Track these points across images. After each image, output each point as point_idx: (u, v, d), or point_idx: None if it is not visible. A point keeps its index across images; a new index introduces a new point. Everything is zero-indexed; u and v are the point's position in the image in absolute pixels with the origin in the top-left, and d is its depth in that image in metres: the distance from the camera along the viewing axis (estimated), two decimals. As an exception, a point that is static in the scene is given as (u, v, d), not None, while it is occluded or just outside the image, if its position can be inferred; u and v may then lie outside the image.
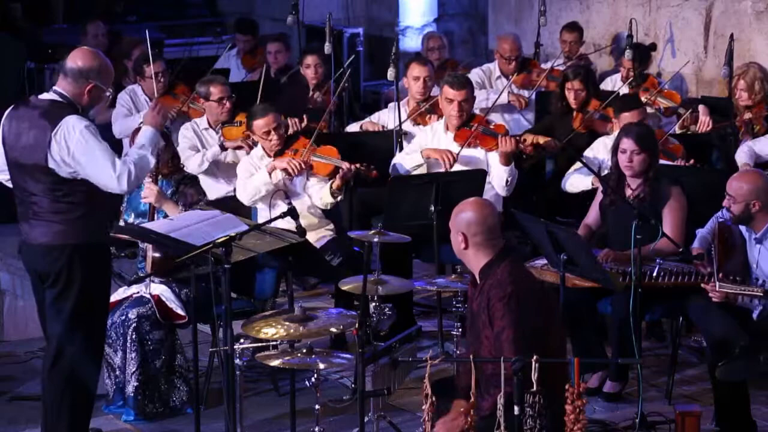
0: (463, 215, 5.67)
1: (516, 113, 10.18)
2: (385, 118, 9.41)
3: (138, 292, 7.24)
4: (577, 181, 8.42)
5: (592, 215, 7.66)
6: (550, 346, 5.45)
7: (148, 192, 7.23)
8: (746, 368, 6.47)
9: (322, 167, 8.23)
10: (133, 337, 7.06)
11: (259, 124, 8.19)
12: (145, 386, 7.08)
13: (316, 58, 10.30)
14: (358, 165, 8.13)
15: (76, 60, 6.20)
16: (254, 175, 8.16)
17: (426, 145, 8.52)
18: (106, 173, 6.10)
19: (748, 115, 9.01)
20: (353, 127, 9.59)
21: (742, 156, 8.41)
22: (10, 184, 6.41)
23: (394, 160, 8.56)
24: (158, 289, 7.19)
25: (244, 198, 8.16)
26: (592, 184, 8.17)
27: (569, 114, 9.21)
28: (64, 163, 6.09)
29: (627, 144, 7.38)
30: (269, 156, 8.26)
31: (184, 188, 7.42)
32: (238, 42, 11.90)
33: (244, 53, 11.77)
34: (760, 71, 9.16)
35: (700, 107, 9.27)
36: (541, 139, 8.88)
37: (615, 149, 7.48)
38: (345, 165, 8.12)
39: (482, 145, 8.39)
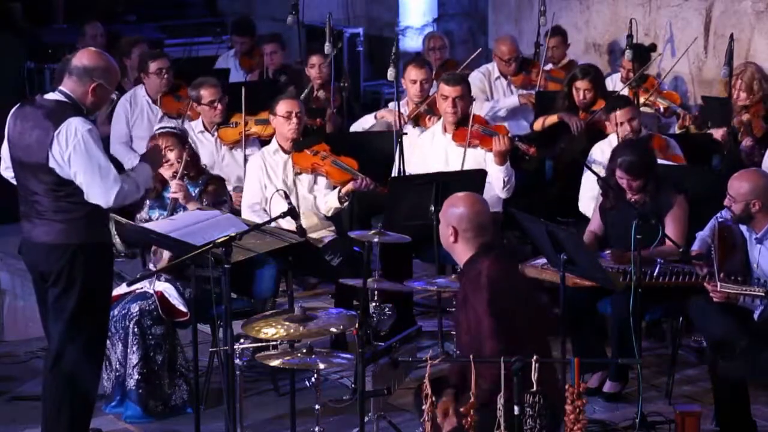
0: (455, 210, 5.66)
1: (517, 114, 10.17)
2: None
3: (141, 288, 7.24)
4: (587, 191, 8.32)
5: (596, 222, 7.63)
6: (530, 347, 5.31)
7: (177, 188, 7.25)
8: (747, 367, 6.47)
9: (338, 174, 8.26)
10: (135, 330, 7.05)
11: (284, 106, 8.30)
12: (146, 380, 7.07)
13: (320, 57, 10.29)
14: (376, 183, 8.17)
15: (81, 59, 6.19)
16: (260, 214, 8.11)
17: (426, 149, 8.53)
18: (97, 182, 6.05)
19: (746, 115, 8.99)
20: (361, 122, 9.60)
21: None
22: (15, 182, 6.42)
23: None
24: (162, 286, 7.19)
25: (243, 211, 8.16)
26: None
27: (574, 113, 9.19)
28: (64, 163, 6.09)
29: (621, 174, 7.34)
30: (285, 152, 8.29)
31: (210, 188, 7.44)
32: (235, 43, 11.88)
33: (242, 54, 11.75)
34: (757, 71, 9.15)
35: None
36: (558, 118, 8.87)
37: (612, 171, 7.43)
38: (365, 180, 8.15)
39: (482, 145, 8.38)
